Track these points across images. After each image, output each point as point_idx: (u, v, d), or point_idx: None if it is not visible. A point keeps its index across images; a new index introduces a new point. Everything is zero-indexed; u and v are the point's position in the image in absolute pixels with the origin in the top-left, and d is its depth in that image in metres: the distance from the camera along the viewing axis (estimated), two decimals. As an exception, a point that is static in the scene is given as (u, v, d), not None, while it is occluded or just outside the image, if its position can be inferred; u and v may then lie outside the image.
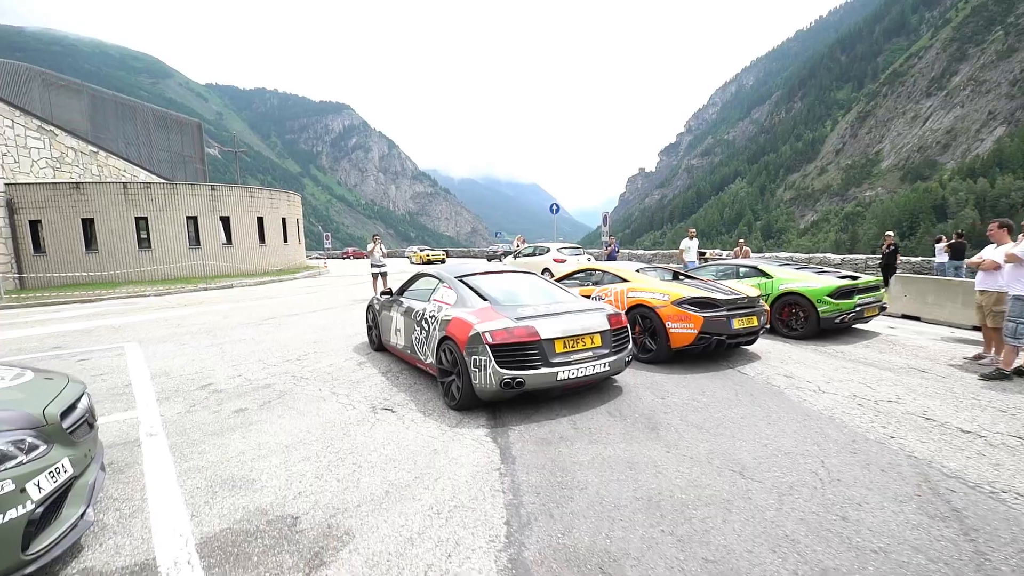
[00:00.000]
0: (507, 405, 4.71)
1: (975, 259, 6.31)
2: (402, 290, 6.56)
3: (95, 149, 23.94)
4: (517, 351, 4.24)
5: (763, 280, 8.23)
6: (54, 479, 2.29)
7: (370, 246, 14.10)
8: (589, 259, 16.27)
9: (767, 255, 17.37)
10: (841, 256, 16.92)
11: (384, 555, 2.55)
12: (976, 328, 8.41)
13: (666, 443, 3.87)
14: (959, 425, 4.21)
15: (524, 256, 17.37)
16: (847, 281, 7.78)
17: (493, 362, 4.18)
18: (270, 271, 25.08)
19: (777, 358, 6.55)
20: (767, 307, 7.08)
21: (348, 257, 55.34)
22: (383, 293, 6.94)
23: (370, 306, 7.31)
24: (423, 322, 5.31)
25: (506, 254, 23.00)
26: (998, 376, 5.48)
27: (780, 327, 7.92)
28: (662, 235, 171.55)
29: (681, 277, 7.59)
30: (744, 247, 15.11)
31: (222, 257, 23.62)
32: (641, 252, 26.20)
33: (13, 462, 2.18)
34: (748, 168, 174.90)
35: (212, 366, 6.52)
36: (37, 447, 2.30)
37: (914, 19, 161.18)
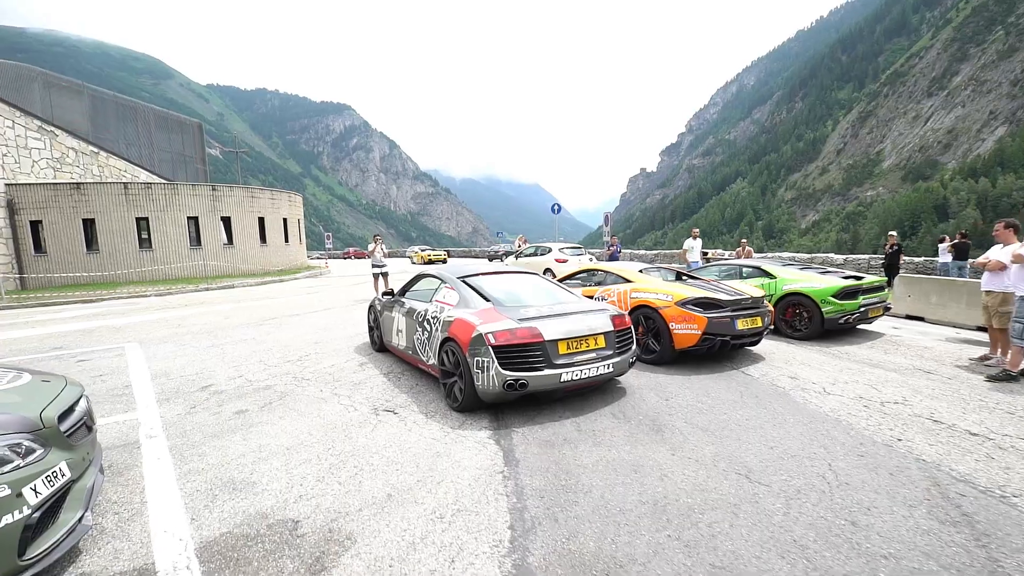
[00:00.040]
0: (510, 407, 4.66)
1: (981, 259, 6.26)
2: (404, 291, 6.52)
3: (96, 149, 23.93)
4: (520, 352, 4.20)
5: (766, 280, 8.18)
6: (51, 483, 2.26)
7: (371, 246, 14.05)
8: (591, 259, 16.23)
9: (769, 255, 17.32)
10: (844, 256, 16.86)
11: (386, 561, 2.51)
12: (981, 329, 8.37)
13: (671, 446, 3.83)
14: (967, 428, 4.16)
15: (526, 256, 17.32)
16: (851, 281, 7.73)
17: (496, 363, 4.14)
18: (271, 271, 25.06)
19: (781, 359, 6.51)
20: (771, 308, 7.03)
21: (349, 257, 55.35)
22: (385, 294, 6.90)
23: (372, 307, 7.27)
24: (425, 323, 5.27)
25: (507, 254, 22.97)
26: (1005, 377, 5.43)
27: (784, 328, 7.87)
28: (663, 235, 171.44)
29: (684, 277, 7.54)
30: (746, 247, 15.06)
31: (223, 257, 23.60)
32: (643, 252, 26.15)
33: (9, 466, 2.15)
34: (749, 168, 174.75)
35: (213, 367, 6.49)
36: (34, 451, 2.26)
37: (915, 19, 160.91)
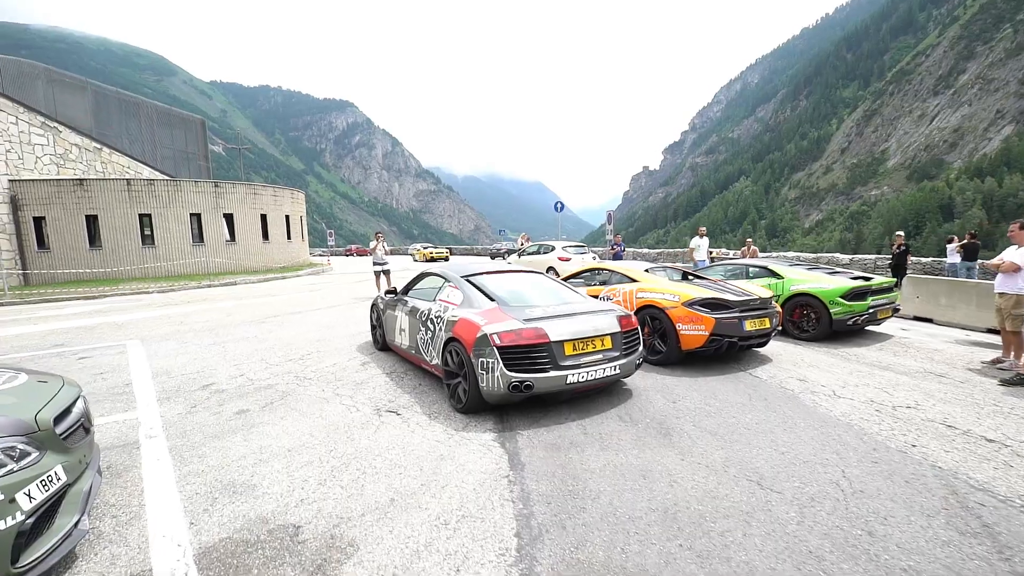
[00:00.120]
0: (514, 408, 4.59)
1: (995, 261, 6.15)
2: (407, 289, 6.44)
3: (99, 146, 23.90)
4: (525, 353, 4.12)
5: (774, 280, 8.08)
6: (46, 488, 2.19)
7: (373, 244, 13.96)
8: (594, 258, 16.14)
9: (774, 255, 17.19)
10: (850, 256, 16.72)
11: (390, 569, 2.44)
12: (992, 331, 8.26)
13: (680, 450, 3.75)
14: (983, 433, 4.07)
15: (528, 254, 17.24)
16: (860, 282, 7.63)
17: (501, 364, 4.07)
18: (273, 268, 25.02)
19: (789, 361, 6.42)
20: (779, 308, 6.93)
21: (351, 254, 55.39)
22: (388, 292, 6.82)
23: (374, 305, 7.20)
24: (428, 322, 5.19)
25: (510, 252, 22.89)
26: (1019, 381, 5.34)
27: (791, 329, 7.78)
28: (666, 233, 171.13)
29: (691, 277, 7.45)
30: (752, 247, 14.95)
31: (226, 254, 23.57)
32: (646, 251, 26.04)
33: (3, 471, 2.08)
34: (753, 167, 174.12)
35: (214, 365, 6.43)
36: (28, 454, 2.20)
37: (921, 17, 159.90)
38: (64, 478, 2.29)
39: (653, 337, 6.23)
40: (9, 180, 20.04)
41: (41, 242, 20.72)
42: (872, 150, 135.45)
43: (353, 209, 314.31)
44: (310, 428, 4.21)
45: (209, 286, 18.07)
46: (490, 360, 4.12)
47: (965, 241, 13.08)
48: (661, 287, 6.45)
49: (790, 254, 18.06)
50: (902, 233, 13.60)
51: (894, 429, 4.16)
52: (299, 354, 6.91)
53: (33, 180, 20.54)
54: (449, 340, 4.67)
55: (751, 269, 8.65)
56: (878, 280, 7.95)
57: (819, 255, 17.41)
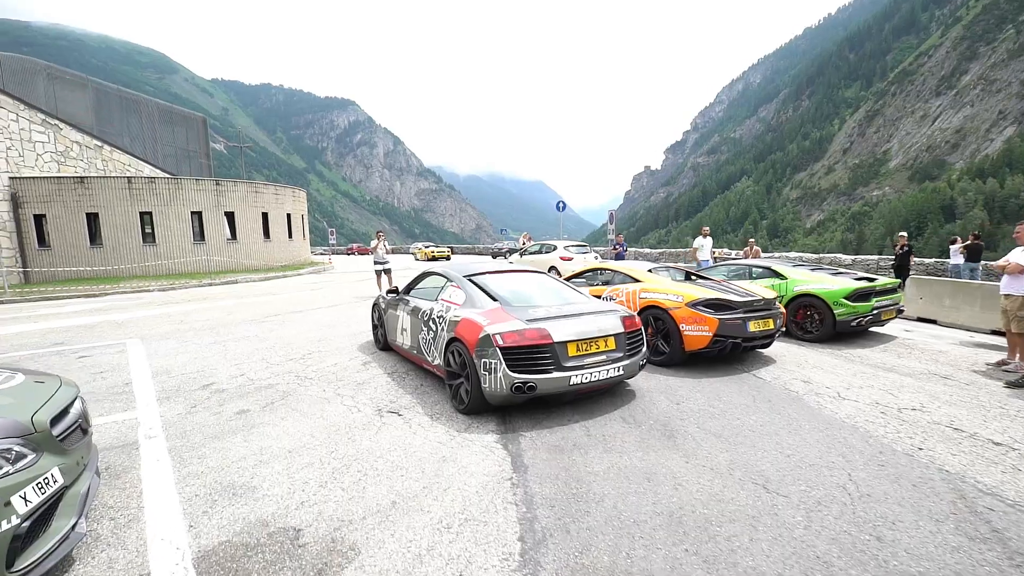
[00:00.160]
0: (517, 409, 4.55)
1: (1000, 262, 6.11)
2: (408, 288, 6.41)
3: (100, 143, 23.86)
4: (529, 354, 4.08)
5: (777, 281, 8.03)
6: (42, 490, 2.15)
7: (374, 242, 13.91)
8: (596, 258, 16.10)
9: (776, 255, 17.14)
10: (852, 256, 16.66)
11: (391, 574, 2.40)
12: (996, 333, 8.22)
13: (684, 452, 3.71)
14: (989, 436, 4.03)
15: (530, 254, 17.19)
16: (864, 283, 7.58)
17: (504, 365, 4.03)
18: (274, 267, 24.99)
19: (793, 362, 6.37)
20: (783, 309, 6.89)
21: (353, 253, 55.40)
22: (389, 291, 6.78)
23: (376, 304, 7.16)
24: (430, 322, 5.16)
25: (511, 251, 22.85)
26: (1025, 384, 5.29)
27: (794, 330, 7.73)
28: (667, 233, 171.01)
29: (694, 277, 7.41)
30: (754, 247, 14.89)
31: (226, 252, 23.54)
32: (648, 251, 25.98)
33: (-2, 473, 2.04)
34: (754, 167, 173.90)
35: (214, 364, 6.39)
36: (24, 456, 2.16)
37: (924, 17, 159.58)
38: (61, 480, 2.26)
39: (656, 338, 6.19)
40: (10, 177, 20.02)
41: (42, 240, 20.70)
42: (874, 150, 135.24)
43: (354, 208, 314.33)
44: (311, 429, 4.18)
45: (210, 284, 18.05)
46: (493, 361, 4.08)
47: (969, 242, 13.02)
48: (664, 287, 6.40)
49: (792, 254, 18.01)
50: (905, 234, 13.51)
51: (900, 432, 4.12)
52: (300, 353, 6.88)
53: (34, 178, 20.51)
54: (451, 340, 4.63)
55: (754, 270, 8.60)
56: (882, 281, 7.90)
57: (821, 256, 17.36)
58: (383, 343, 6.88)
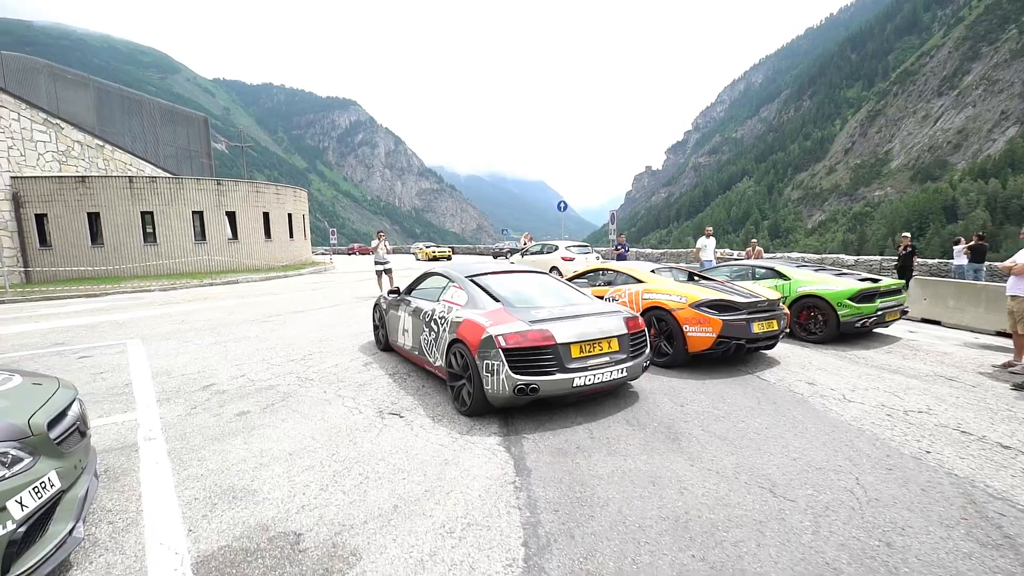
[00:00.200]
0: (520, 411, 4.51)
1: (1007, 263, 6.06)
2: (410, 289, 6.37)
3: (101, 143, 23.85)
4: (532, 356, 4.04)
5: (780, 282, 7.98)
6: (39, 495, 2.12)
7: (374, 242, 13.88)
8: (598, 258, 16.05)
9: (778, 255, 17.09)
10: (855, 257, 16.60)
11: (394, 580, 2.36)
12: (1001, 334, 8.16)
13: (689, 455, 3.66)
14: (998, 440, 3.98)
15: (532, 254, 17.15)
16: (868, 284, 7.53)
17: (506, 367, 3.99)
18: (275, 267, 24.98)
19: (797, 363, 6.33)
20: (787, 310, 6.84)
21: (354, 253, 55.40)
22: (391, 292, 6.74)
23: (377, 305, 7.13)
24: (432, 323, 5.12)
25: (513, 251, 22.80)
26: (1032, 386, 5.24)
27: (798, 331, 7.69)
28: (668, 233, 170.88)
29: (696, 278, 7.37)
30: (756, 247, 14.84)
31: (228, 252, 23.52)
32: (649, 251, 25.92)
33: (-6, 477, 2.01)
34: (756, 167, 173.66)
35: (215, 365, 6.36)
36: (21, 460, 2.13)
37: (926, 17, 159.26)
38: (58, 484, 2.22)
39: (659, 339, 6.14)
40: (11, 177, 20.02)
41: (43, 239, 20.69)
42: (876, 151, 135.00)
43: (356, 208, 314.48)
44: (312, 431, 4.14)
45: (211, 284, 18.03)
46: (495, 362, 4.04)
47: (972, 243, 12.94)
48: (667, 288, 6.36)
49: (795, 255, 17.95)
50: (908, 234, 13.43)
51: (907, 435, 4.08)
52: (301, 354, 6.84)
53: (35, 177, 20.51)
54: (453, 341, 4.59)
55: (757, 270, 8.55)
56: (886, 282, 7.85)
57: (823, 256, 17.29)
58: (384, 344, 6.84)
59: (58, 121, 22.10)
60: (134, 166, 25.20)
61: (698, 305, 5.82)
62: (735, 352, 5.91)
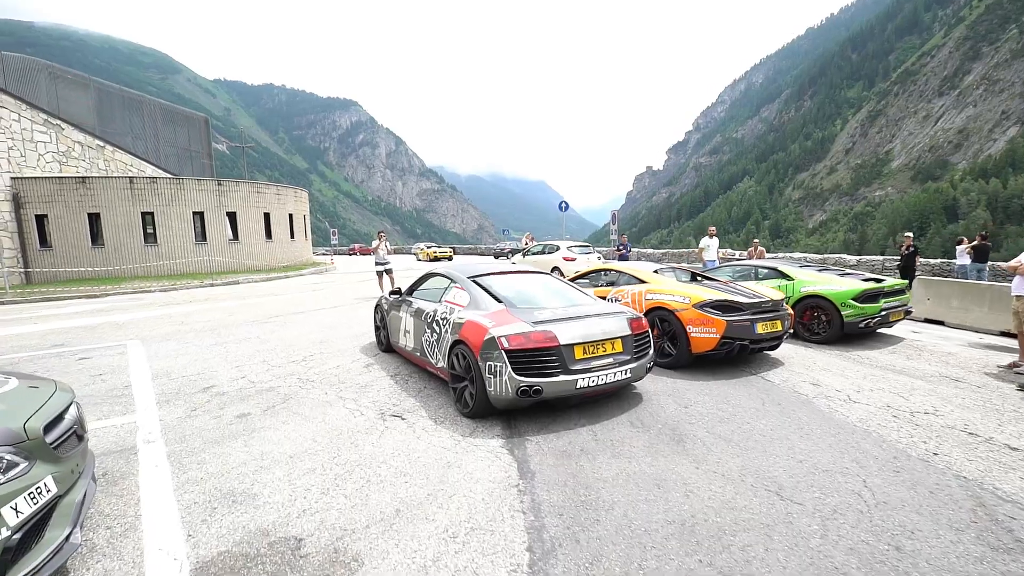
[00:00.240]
0: (523, 413, 4.47)
1: (1013, 263, 6.02)
2: (411, 290, 6.33)
3: (102, 143, 23.84)
4: (535, 357, 4.00)
5: (784, 282, 7.94)
6: (34, 500, 2.08)
7: (375, 243, 13.84)
8: (599, 258, 16.01)
9: (780, 255, 17.04)
10: (857, 257, 16.56)
11: (396, 586, 2.32)
12: (1006, 334, 8.12)
13: (694, 458, 3.62)
14: (1006, 441, 3.94)
15: (533, 254, 17.11)
16: (872, 284, 7.49)
17: (509, 368, 3.95)
18: (276, 267, 24.95)
19: (801, 364, 6.28)
20: (791, 311, 6.80)
21: (355, 253, 55.39)
22: (392, 292, 6.70)
23: (378, 305, 7.09)
24: (434, 324, 5.08)
25: (514, 251, 22.76)
26: (1039, 387, 5.20)
27: (801, 331, 7.64)
28: (669, 233, 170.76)
29: (699, 278, 7.32)
30: (759, 247, 14.79)
31: (228, 253, 23.50)
32: (650, 251, 25.88)
33: (-11, 483, 1.97)
34: (757, 167, 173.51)
35: (215, 366, 6.32)
36: (16, 465, 2.08)
37: (927, 17, 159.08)
38: (54, 490, 2.18)
39: (662, 340, 6.10)
40: (11, 178, 20.00)
41: (43, 240, 20.68)
42: (876, 151, 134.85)
43: (356, 208, 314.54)
44: (313, 433, 4.10)
45: (211, 285, 18.01)
46: (498, 364, 4.00)
47: (976, 242, 12.89)
48: (671, 288, 6.32)
49: (797, 255, 17.91)
50: (911, 234, 13.40)
51: (914, 436, 4.03)
52: (302, 355, 6.80)
53: (35, 178, 20.49)
54: (456, 343, 4.55)
55: (760, 270, 8.50)
56: (890, 282, 7.81)
57: (826, 256, 17.25)
58: (386, 345, 6.80)
59: (58, 122, 22.09)
60: (135, 166, 25.19)
61: (702, 306, 5.78)
62: (738, 353, 5.87)
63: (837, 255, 17.15)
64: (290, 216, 27.93)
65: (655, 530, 2.74)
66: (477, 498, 3.07)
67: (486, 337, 4.12)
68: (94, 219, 20.98)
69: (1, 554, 1.93)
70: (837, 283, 7.50)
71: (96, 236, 21.09)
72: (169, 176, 25.34)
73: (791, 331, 6.84)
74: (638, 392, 5.10)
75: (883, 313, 7.29)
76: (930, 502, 3.04)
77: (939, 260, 14.92)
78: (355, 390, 5.24)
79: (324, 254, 50.06)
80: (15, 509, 1.99)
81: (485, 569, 2.43)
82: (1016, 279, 5.93)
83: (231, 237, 24.03)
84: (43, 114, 21.49)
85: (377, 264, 13.53)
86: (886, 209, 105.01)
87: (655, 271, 7.09)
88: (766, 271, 8.38)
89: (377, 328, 7.11)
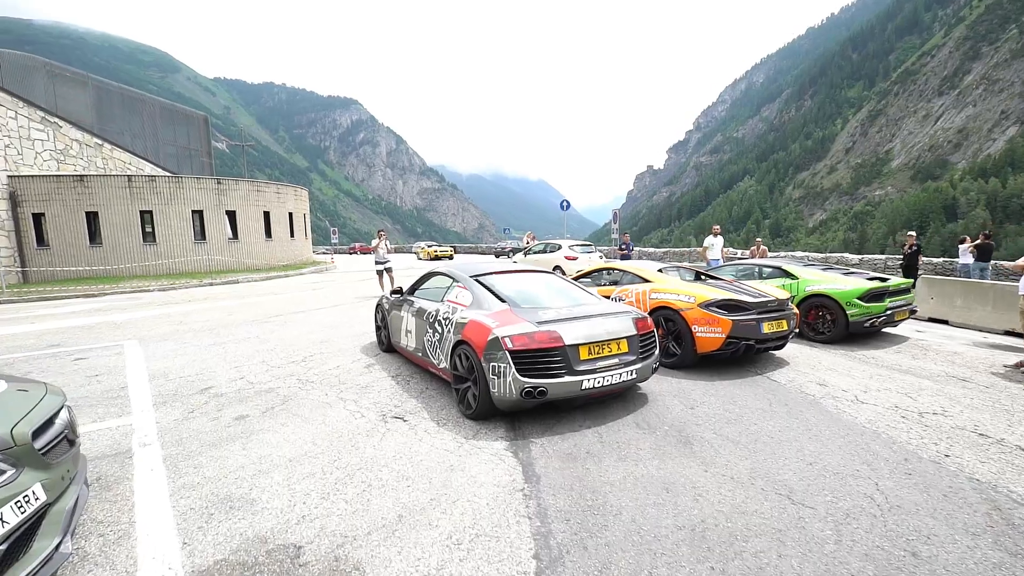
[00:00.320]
0: (526, 415, 4.39)
1: (1020, 262, 5.95)
2: (413, 289, 6.25)
3: (100, 141, 23.71)
4: (539, 358, 3.92)
5: (788, 281, 7.86)
6: (22, 509, 1.99)
7: (375, 241, 13.76)
8: (601, 257, 15.93)
9: (782, 254, 16.97)
10: (859, 256, 16.48)
11: (399, 596, 2.24)
12: (1011, 333, 8.05)
13: (702, 460, 3.55)
14: (1017, 443, 3.87)
15: (535, 253, 17.03)
16: (877, 283, 7.41)
17: (513, 369, 3.87)
18: (276, 266, 24.85)
19: (806, 364, 6.21)
20: (796, 310, 6.72)
21: (355, 252, 55.33)
22: (393, 292, 6.62)
23: (379, 305, 7.01)
24: (436, 324, 4.99)
25: (515, 250, 22.67)
26: (1049, 387, 5.12)
27: (806, 330, 7.57)
28: (669, 232, 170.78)
29: (704, 277, 7.25)
30: (761, 246, 14.71)
31: (228, 252, 23.39)
32: (651, 250, 25.79)
33: (-27, 492, 1.88)
34: (757, 166, 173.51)
35: (213, 367, 6.24)
36: (2, 473, 2.00)
37: (927, 17, 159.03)
38: (43, 497, 2.10)
39: (667, 339, 6.02)
40: (8, 176, 19.87)
41: (40, 239, 20.54)
42: (876, 150, 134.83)
43: (357, 207, 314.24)
44: (312, 435, 4.01)
45: (211, 284, 17.91)
46: (502, 364, 3.92)
47: (979, 241, 12.81)
48: (675, 288, 6.24)
49: (799, 253, 17.83)
50: (914, 233, 13.31)
51: (924, 437, 3.96)
52: (301, 356, 6.72)
53: (33, 176, 20.35)
54: (458, 343, 4.47)
55: (764, 269, 8.43)
56: (895, 281, 7.74)
57: (828, 255, 17.17)
58: (387, 345, 6.73)
59: (56, 119, 21.96)
60: (133, 165, 25.07)
61: (707, 305, 5.70)
62: (744, 353, 5.79)
63: (839, 254, 17.07)
64: (290, 215, 27.82)
65: (665, 536, 2.66)
66: (481, 503, 2.99)
67: (489, 337, 4.04)
68: (92, 218, 20.85)
69: (-14, 565, 1.85)
70: (842, 282, 7.43)
71: (94, 235, 20.97)
72: (168, 175, 25.23)
73: (796, 330, 6.77)
74: (643, 392, 5.02)
75: (888, 312, 7.22)
76: (944, 506, 2.97)
77: (941, 259, 14.84)
78: (356, 391, 5.16)
79: (324, 253, 49.98)
80: (1, 519, 1.90)
81: (491, 578, 2.35)
82: (1023, 279, 5.86)
83: (231, 236, 23.92)
84: (41, 112, 21.36)
85: (377, 263, 13.46)
86: (886, 208, 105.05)
87: (659, 270, 7.01)
88: (770, 270, 8.31)
89: (378, 328, 7.03)
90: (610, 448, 3.74)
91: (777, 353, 6.66)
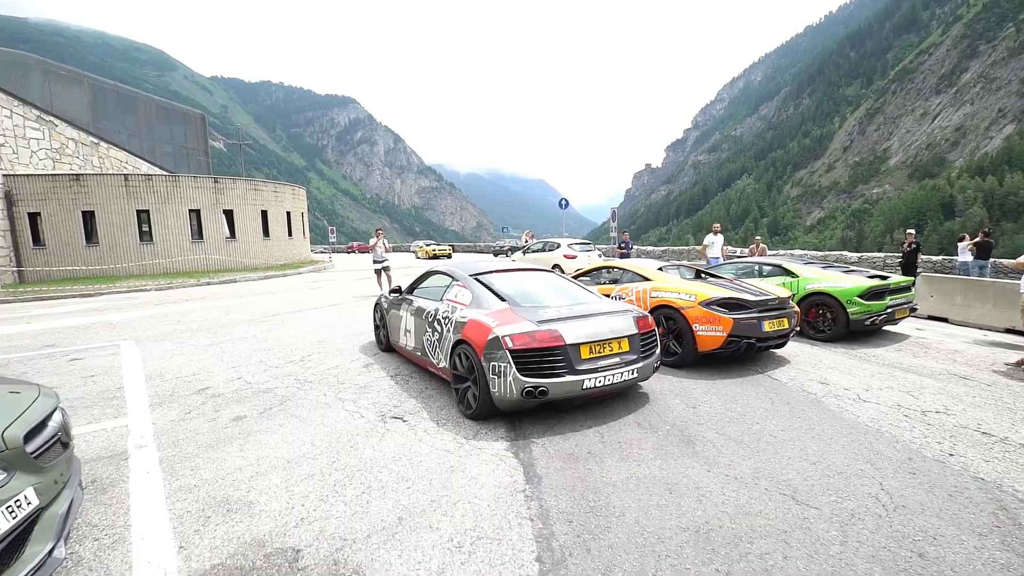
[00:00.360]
0: (527, 414, 4.35)
1: (1021, 260, 5.93)
2: (412, 288, 6.20)
3: (96, 140, 23.58)
4: (540, 357, 3.88)
5: (788, 279, 7.84)
6: (13, 514, 1.94)
7: (373, 240, 13.71)
8: (600, 256, 15.90)
9: (781, 252, 16.95)
10: (859, 254, 16.47)
11: (399, 600, 2.20)
12: (1011, 331, 8.05)
13: (705, 460, 3.51)
14: (1020, 441, 3.85)
15: (533, 252, 16.99)
16: (878, 281, 7.39)
17: (514, 369, 3.82)
18: (274, 266, 24.76)
19: (807, 362, 6.18)
20: (797, 308, 6.69)
21: (353, 251, 55.21)
22: (392, 291, 6.57)
23: (378, 304, 6.96)
24: (435, 323, 4.95)
25: (513, 249, 22.63)
26: (1051, 385, 5.10)
27: (806, 329, 7.55)
28: (667, 231, 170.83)
29: (704, 276, 7.21)
30: (760, 244, 14.69)
31: (225, 251, 23.29)
32: (650, 248, 25.77)
33: (-37, 496, 1.84)
34: (755, 164, 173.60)
35: (211, 367, 6.18)
36: (-6, 477, 1.95)
37: (925, 15, 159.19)
38: (36, 502, 2.05)
39: (668, 338, 5.99)
40: (3, 175, 19.74)
41: (36, 239, 20.40)
42: (874, 148, 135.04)
43: (355, 206, 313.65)
44: (311, 436, 3.97)
45: (208, 284, 17.83)
46: (502, 364, 3.88)
47: (979, 239, 12.80)
48: (676, 286, 6.20)
49: (797, 252, 17.82)
50: (913, 231, 13.30)
51: (927, 436, 3.93)
52: (299, 355, 6.67)
53: (28, 175, 20.21)
54: (458, 342, 4.42)
55: (764, 267, 8.40)
56: (895, 279, 7.72)
57: (827, 253, 17.17)
58: (385, 344, 6.68)
59: (51, 118, 21.83)
60: (130, 164, 24.95)
61: (708, 303, 5.67)
62: (745, 351, 5.76)
63: (838, 252, 17.07)
64: (288, 214, 27.71)
65: (669, 537, 2.63)
66: (483, 504, 2.95)
67: (490, 337, 4.00)
68: (88, 217, 20.72)
69: (-23, 572, 1.80)
70: (843, 280, 7.40)
71: (90, 234, 20.84)
72: (165, 174, 25.11)
73: (797, 329, 6.75)
74: (644, 392, 4.99)
75: (889, 310, 7.20)
76: (950, 505, 2.94)
77: (940, 257, 14.84)
78: (354, 391, 5.11)
79: (323, 252, 49.86)
80: (-8, 524, 1.86)
81: (493, 581, 2.31)
82: (1025, 276, 5.84)
83: (228, 235, 23.81)
84: (36, 110, 21.23)
85: (375, 262, 13.41)
86: (883, 206, 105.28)
87: (659, 268, 6.98)
88: (770, 268, 8.28)
89: (377, 327, 6.98)
90: (612, 448, 3.70)
91: (778, 352, 6.64)
